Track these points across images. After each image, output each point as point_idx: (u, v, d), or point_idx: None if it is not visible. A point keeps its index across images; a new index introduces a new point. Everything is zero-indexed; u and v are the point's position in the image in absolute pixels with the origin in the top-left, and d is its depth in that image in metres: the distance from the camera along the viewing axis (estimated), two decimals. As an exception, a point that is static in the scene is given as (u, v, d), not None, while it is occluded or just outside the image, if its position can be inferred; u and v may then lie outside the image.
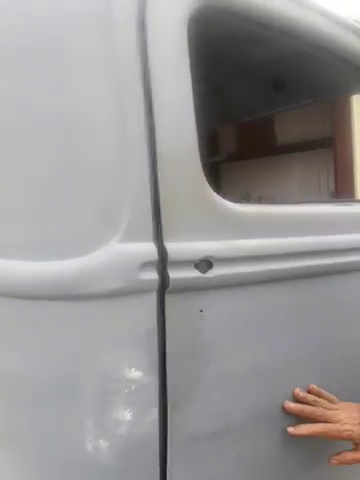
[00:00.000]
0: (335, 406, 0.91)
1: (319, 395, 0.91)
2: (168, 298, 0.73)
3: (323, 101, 2.18)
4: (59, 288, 0.69)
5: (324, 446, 0.94)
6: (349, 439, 0.89)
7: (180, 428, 0.77)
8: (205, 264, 0.76)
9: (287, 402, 0.88)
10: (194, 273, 0.75)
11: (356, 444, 0.90)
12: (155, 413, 0.73)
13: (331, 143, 2.74)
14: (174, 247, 0.74)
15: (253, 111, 1.83)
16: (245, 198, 2.50)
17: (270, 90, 1.55)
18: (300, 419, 0.90)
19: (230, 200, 0.83)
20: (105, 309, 0.70)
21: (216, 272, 0.77)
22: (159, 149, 0.73)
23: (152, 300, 0.73)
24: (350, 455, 0.90)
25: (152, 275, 0.72)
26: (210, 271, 0.77)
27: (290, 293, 0.92)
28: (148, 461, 0.75)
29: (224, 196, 0.83)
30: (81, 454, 0.71)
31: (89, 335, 0.71)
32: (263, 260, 0.85)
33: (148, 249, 0.72)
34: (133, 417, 0.72)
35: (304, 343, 0.93)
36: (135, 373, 0.71)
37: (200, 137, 0.79)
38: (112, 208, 0.71)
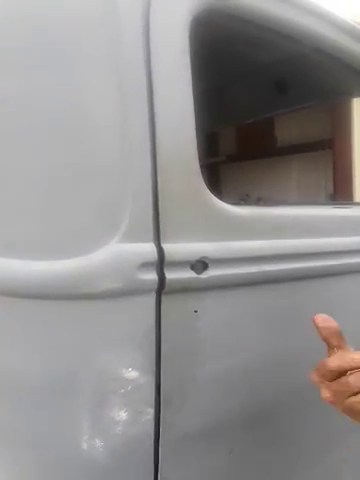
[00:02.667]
0: None
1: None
2: (164, 298, 0.74)
3: (323, 104, 2.19)
4: (57, 287, 0.70)
5: (316, 446, 0.95)
6: None
7: (173, 426, 0.78)
8: (201, 265, 0.77)
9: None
10: (190, 274, 0.76)
11: None
12: (150, 412, 0.74)
13: (331, 145, 2.74)
14: (171, 248, 0.74)
15: (254, 113, 1.83)
16: (244, 199, 2.51)
17: (271, 92, 1.56)
18: (298, 417, 0.90)
19: (227, 202, 0.84)
20: (103, 309, 0.71)
21: (211, 273, 0.78)
22: (159, 151, 0.73)
23: (150, 300, 0.73)
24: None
25: (151, 275, 0.72)
26: (205, 272, 0.78)
27: (285, 295, 0.93)
28: (142, 460, 0.76)
29: (221, 197, 0.83)
30: (76, 453, 0.72)
31: (87, 335, 0.72)
32: (258, 262, 0.85)
33: (147, 250, 0.72)
34: (129, 417, 0.72)
35: (298, 344, 0.94)
36: (132, 373, 0.72)
37: (200, 138, 0.80)
38: (112, 208, 0.71)
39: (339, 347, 0.65)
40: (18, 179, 0.73)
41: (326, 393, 0.62)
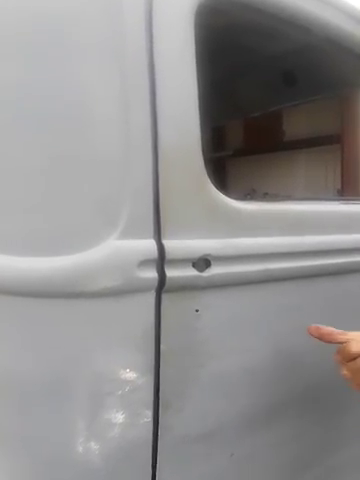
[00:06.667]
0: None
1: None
2: (164, 297, 0.72)
3: (332, 97, 2.15)
4: (54, 285, 0.67)
5: (317, 448, 0.93)
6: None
7: (171, 429, 0.76)
8: (203, 263, 0.75)
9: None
10: (191, 272, 0.74)
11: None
12: (148, 415, 0.73)
13: (339, 140, 2.70)
14: (172, 245, 0.72)
15: (261, 105, 1.80)
16: (251, 194, 2.48)
17: (278, 84, 1.53)
18: (299, 419, 0.89)
19: (232, 197, 0.81)
20: (101, 307, 0.69)
21: (214, 271, 0.76)
22: (161, 144, 0.71)
23: (150, 299, 0.71)
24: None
25: (151, 273, 0.70)
26: (208, 270, 0.75)
27: (290, 294, 0.90)
28: (139, 463, 0.74)
29: (226, 193, 0.81)
30: (72, 456, 0.70)
31: (84, 334, 0.70)
32: (263, 259, 0.83)
33: (147, 247, 0.70)
34: (126, 419, 0.71)
35: (303, 345, 0.92)
36: (130, 374, 0.70)
37: (205, 132, 0.77)
38: (111, 203, 0.69)
39: (347, 340, 0.78)
40: (15, 173, 0.71)
41: (345, 371, 0.77)
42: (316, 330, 0.81)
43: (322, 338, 0.80)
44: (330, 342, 0.80)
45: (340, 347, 0.78)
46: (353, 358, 0.76)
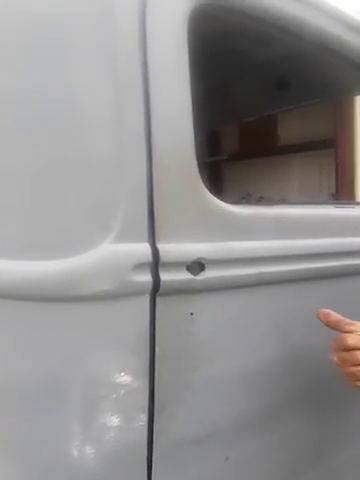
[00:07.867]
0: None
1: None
2: (159, 301, 0.72)
3: (326, 102, 2.16)
4: (48, 289, 0.67)
5: (312, 451, 0.93)
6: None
7: (166, 432, 0.76)
8: (197, 266, 0.75)
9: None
10: (185, 275, 0.74)
11: None
12: (143, 418, 0.72)
13: (333, 144, 2.72)
14: (166, 248, 0.72)
15: (254, 110, 1.81)
16: (246, 198, 2.49)
17: (272, 89, 1.54)
18: (295, 423, 0.89)
19: (226, 201, 0.82)
20: (95, 311, 0.69)
21: (208, 274, 0.76)
22: (155, 148, 0.71)
23: (144, 303, 0.71)
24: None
25: (145, 277, 0.70)
26: (202, 273, 0.75)
27: (284, 297, 0.90)
28: (134, 467, 0.74)
29: (220, 197, 0.81)
30: (66, 461, 0.70)
31: (78, 338, 0.70)
32: (257, 263, 0.83)
33: (141, 250, 0.70)
34: (121, 423, 0.71)
35: (297, 348, 0.92)
36: (124, 377, 0.70)
37: (199, 136, 0.78)
38: (106, 208, 0.69)
39: (353, 329, 0.78)
40: (8, 176, 0.71)
41: (335, 358, 0.77)
42: (325, 316, 0.80)
43: (329, 325, 0.80)
44: (335, 329, 0.79)
45: (338, 336, 0.78)
46: (347, 349, 0.76)
